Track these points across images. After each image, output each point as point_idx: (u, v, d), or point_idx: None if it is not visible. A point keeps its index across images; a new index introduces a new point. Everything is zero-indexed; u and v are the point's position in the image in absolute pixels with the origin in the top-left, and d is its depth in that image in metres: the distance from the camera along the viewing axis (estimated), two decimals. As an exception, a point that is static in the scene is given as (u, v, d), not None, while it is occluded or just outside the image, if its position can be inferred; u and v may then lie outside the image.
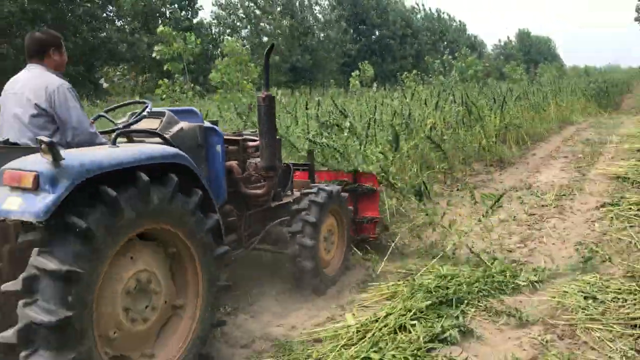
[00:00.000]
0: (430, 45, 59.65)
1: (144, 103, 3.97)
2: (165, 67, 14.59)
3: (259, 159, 4.69)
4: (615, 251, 5.47)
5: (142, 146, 3.38)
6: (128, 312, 3.01)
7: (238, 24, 43.75)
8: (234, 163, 4.56)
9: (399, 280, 4.85)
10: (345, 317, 4.22)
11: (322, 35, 47.81)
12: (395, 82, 38.49)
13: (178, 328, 3.37)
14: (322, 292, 4.78)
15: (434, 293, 4.28)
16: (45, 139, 2.69)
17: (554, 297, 4.33)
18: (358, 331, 3.82)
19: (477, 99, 14.73)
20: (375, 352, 3.51)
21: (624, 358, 3.43)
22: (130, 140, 3.76)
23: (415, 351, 3.49)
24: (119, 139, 3.39)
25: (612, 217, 6.64)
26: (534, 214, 7.11)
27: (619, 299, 4.24)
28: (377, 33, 54.22)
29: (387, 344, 3.60)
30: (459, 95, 14.28)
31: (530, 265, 5.06)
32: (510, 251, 5.71)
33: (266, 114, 4.46)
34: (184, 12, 36.23)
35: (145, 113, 3.79)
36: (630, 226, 6.24)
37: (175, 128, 3.92)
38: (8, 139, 3.40)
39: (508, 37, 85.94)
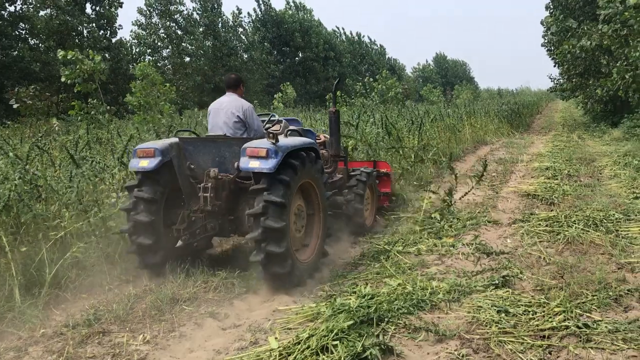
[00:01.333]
0: (351, 68, 60.78)
1: (273, 115, 7.11)
2: (75, 89, 13.77)
3: (323, 150, 7.06)
4: (526, 266, 5.74)
5: (300, 138, 6.08)
6: (295, 226, 5.50)
7: (159, 43, 42.93)
8: None
9: (321, 302, 4.88)
10: (268, 340, 4.20)
11: (245, 56, 47.73)
12: (319, 104, 38.92)
13: (312, 230, 5.85)
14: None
15: (355, 313, 4.32)
16: (273, 132, 5.24)
17: (470, 312, 4.49)
18: (280, 354, 3.80)
19: (397, 120, 15.11)
20: (297, 374, 3.50)
21: (534, 368, 3.60)
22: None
23: (337, 372, 3.51)
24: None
25: (522, 233, 6.96)
26: (450, 232, 7.31)
27: (529, 311, 4.45)
28: (300, 55, 54.80)
29: (309, 365, 3.60)
30: (379, 117, 14.62)
31: (447, 281, 5.19)
32: (428, 267, 5.83)
33: (334, 121, 7.28)
34: (102, 31, 35.07)
35: (273, 120, 6.98)
36: (540, 241, 6.58)
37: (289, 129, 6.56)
38: (225, 134, 5.98)
39: (427, 61, 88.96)
